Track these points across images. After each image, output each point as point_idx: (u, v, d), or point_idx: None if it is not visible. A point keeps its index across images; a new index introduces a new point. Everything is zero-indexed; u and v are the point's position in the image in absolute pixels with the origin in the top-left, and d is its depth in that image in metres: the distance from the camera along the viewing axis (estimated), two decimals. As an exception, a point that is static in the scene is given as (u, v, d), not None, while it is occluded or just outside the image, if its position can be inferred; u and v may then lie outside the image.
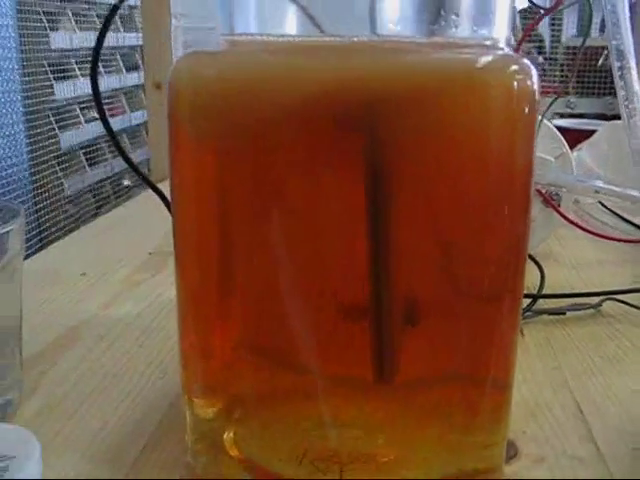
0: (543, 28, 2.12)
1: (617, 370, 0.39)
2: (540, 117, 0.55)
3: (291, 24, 0.25)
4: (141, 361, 0.39)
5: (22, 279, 0.34)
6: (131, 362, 0.39)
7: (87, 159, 2.22)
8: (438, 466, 0.27)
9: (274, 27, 0.25)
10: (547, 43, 2.03)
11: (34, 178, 1.92)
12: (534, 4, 0.39)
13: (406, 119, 0.23)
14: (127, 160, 0.35)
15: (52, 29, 1.96)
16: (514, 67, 0.23)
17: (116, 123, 2.39)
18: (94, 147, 2.23)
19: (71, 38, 2.04)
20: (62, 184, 2.08)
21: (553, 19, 2.10)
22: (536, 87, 0.24)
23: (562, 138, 0.58)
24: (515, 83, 0.23)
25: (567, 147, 0.58)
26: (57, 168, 2.05)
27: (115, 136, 0.35)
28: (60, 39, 1.98)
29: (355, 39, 0.24)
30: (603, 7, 0.40)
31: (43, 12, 1.92)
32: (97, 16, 2.23)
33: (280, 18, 0.25)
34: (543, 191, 0.56)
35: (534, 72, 0.24)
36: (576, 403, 0.36)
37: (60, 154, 2.05)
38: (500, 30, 0.25)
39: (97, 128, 2.15)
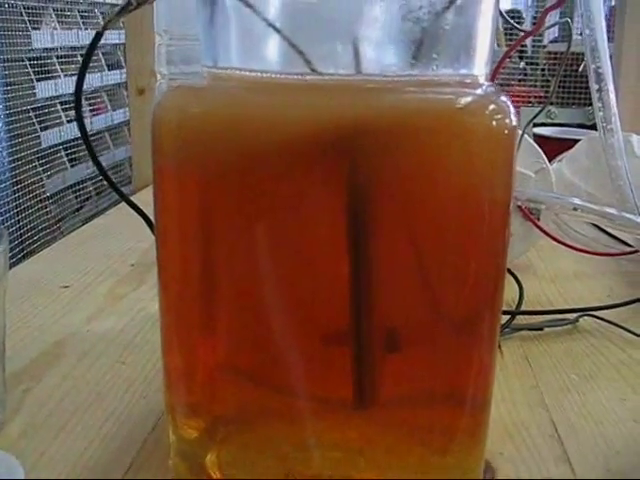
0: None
1: (592, 387, 0.40)
2: (521, 131, 0.55)
3: (274, 59, 0.25)
4: (124, 379, 0.39)
5: (5, 298, 0.34)
6: (115, 379, 0.39)
7: (69, 158, 2.21)
8: (417, 488, 0.28)
9: (257, 62, 0.26)
10: (529, 47, 2.05)
11: (15, 177, 1.91)
12: (517, 27, 0.39)
13: (387, 157, 0.23)
14: (105, 176, 0.35)
15: (34, 27, 1.95)
16: (492, 107, 0.24)
17: (99, 122, 2.38)
18: (76, 146, 2.22)
19: (52, 36, 2.03)
20: (43, 183, 2.07)
21: (535, 22, 2.11)
22: (514, 124, 0.25)
23: (542, 153, 0.59)
24: (493, 122, 0.24)
25: (547, 162, 0.59)
26: (38, 167, 2.04)
27: (93, 149, 0.35)
28: (42, 37, 1.97)
29: (337, 77, 0.24)
30: (582, 30, 0.41)
31: (24, 9, 1.91)
32: (79, 12, 2.22)
33: (263, 53, 0.25)
34: (523, 206, 0.57)
35: (512, 110, 0.25)
36: (552, 423, 0.36)
37: (41, 153, 2.04)
38: (480, 67, 0.26)
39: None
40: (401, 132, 0.23)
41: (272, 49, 0.25)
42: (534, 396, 0.39)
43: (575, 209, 0.48)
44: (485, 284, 0.27)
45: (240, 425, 0.30)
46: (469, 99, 0.24)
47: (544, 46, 2.00)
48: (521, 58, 1.98)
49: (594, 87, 0.43)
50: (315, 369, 0.28)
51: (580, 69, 1.46)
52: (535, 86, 1.87)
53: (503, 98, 0.25)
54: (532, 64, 1.97)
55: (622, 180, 0.47)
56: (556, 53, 1.69)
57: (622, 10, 0.87)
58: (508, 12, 1.71)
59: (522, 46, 1.99)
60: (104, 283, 0.54)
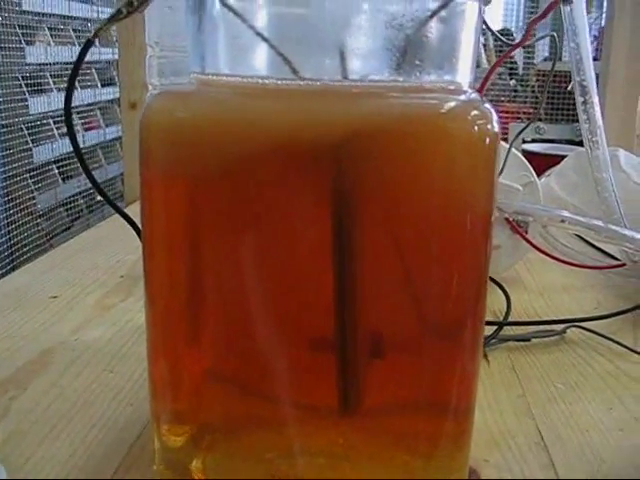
0: (516, 51, 2.16)
1: (579, 397, 0.40)
2: (509, 145, 0.56)
3: (261, 66, 0.26)
4: (111, 387, 0.39)
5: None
6: (101, 388, 0.39)
7: (60, 173, 2.21)
8: (402, 494, 0.28)
9: (244, 68, 0.26)
10: (520, 66, 2.07)
11: (6, 192, 1.90)
12: (502, 41, 0.40)
13: (371, 161, 0.23)
14: (95, 185, 0.35)
15: (28, 43, 1.95)
16: (475, 112, 0.24)
17: (91, 138, 2.38)
18: (67, 161, 2.22)
19: (46, 52, 2.04)
20: (34, 198, 2.06)
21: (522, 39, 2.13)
22: (496, 130, 0.25)
23: (530, 167, 0.59)
24: (475, 128, 0.24)
25: (535, 176, 0.59)
26: (30, 182, 2.03)
27: (84, 160, 0.35)
28: (35, 53, 1.97)
29: (324, 83, 0.25)
30: (567, 44, 0.42)
31: (18, 25, 1.91)
32: (73, 30, 2.23)
33: (250, 60, 0.26)
34: (511, 219, 0.57)
35: (494, 116, 0.25)
36: (538, 431, 0.37)
37: (33, 168, 2.03)
38: (464, 75, 0.26)
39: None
40: (385, 136, 0.23)
41: (259, 56, 0.26)
42: (521, 405, 0.39)
43: (562, 221, 0.48)
44: (468, 290, 0.27)
45: (226, 433, 0.30)
46: (452, 104, 0.24)
47: (534, 65, 2.02)
48: (512, 76, 2.00)
49: (579, 100, 0.43)
50: (300, 376, 0.28)
51: (569, 87, 1.48)
52: (525, 103, 1.89)
53: (486, 105, 0.25)
54: (522, 82, 1.99)
55: (607, 192, 0.47)
56: (546, 72, 1.71)
57: (609, 29, 0.88)
58: (499, 31, 1.73)
59: (513, 65, 2.02)
60: (93, 294, 0.54)
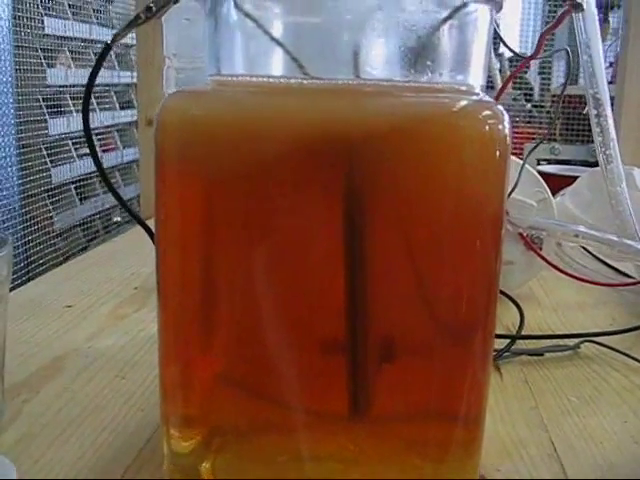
0: (533, 76, 2.17)
1: (593, 411, 0.40)
2: (522, 162, 0.56)
3: (276, 67, 0.26)
4: (123, 393, 0.39)
5: (7, 308, 0.35)
6: (113, 394, 0.39)
7: (78, 194, 2.23)
8: (411, 499, 0.28)
9: (259, 69, 0.26)
10: (536, 90, 2.08)
11: (24, 211, 1.92)
12: (515, 53, 0.40)
13: (384, 159, 0.24)
14: (114, 193, 0.36)
15: (49, 65, 1.99)
16: (486, 112, 0.24)
17: (109, 159, 2.40)
18: (85, 182, 2.24)
19: (67, 74, 2.07)
20: (52, 218, 2.08)
21: (542, 68, 2.15)
22: (507, 131, 0.25)
23: (544, 183, 0.59)
24: (487, 127, 0.24)
25: (549, 192, 0.59)
26: (48, 202, 2.05)
27: (102, 165, 0.35)
28: (56, 75, 2.01)
29: (337, 82, 0.25)
30: (580, 57, 0.42)
31: (41, 49, 1.95)
32: (94, 54, 2.26)
33: (265, 61, 0.26)
34: (525, 235, 0.57)
35: (506, 117, 0.25)
36: (551, 442, 0.36)
37: (51, 188, 2.06)
38: (475, 77, 0.27)
39: (89, 163, 2.16)
40: (398, 134, 0.23)
41: (274, 57, 0.26)
42: (533, 417, 0.39)
43: (576, 235, 0.48)
44: (479, 293, 0.27)
45: (236, 436, 0.30)
46: (464, 103, 0.24)
47: (550, 90, 2.03)
48: (528, 101, 2.01)
49: (592, 112, 0.43)
50: (311, 381, 0.28)
51: (585, 111, 1.48)
52: (540, 125, 1.89)
53: (498, 106, 0.26)
54: (538, 107, 2.00)
55: (622, 206, 0.47)
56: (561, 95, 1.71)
57: (624, 51, 0.88)
58: (513, 57, 1.74)
59: (529, 90, 2.02)
60: (107, 304, 0.55)
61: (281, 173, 0.24)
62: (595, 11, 0.39)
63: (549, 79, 2.11)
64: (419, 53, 0.25)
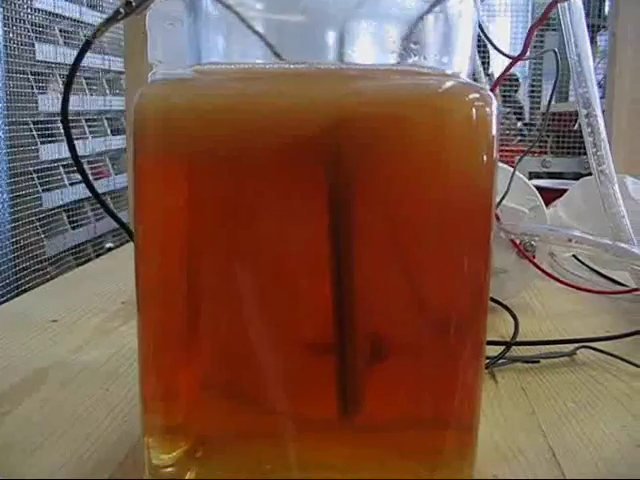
0: (523, 96, 2.19)
1: (591, 415, 0.39)
2: (513, 169, 0.56)
3: (257, 54, 0.25)
4: (105, 405, 0.38)
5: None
6: (95, 406, 0.38)
7: (70, 221, 2.22)
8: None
9: (239, 58, 0.26)
10: (526, 110, 2.10)
11: (15, 237, 1.91)
12: (502, 53, 0.40)
13: (369, 142, 0.23)
14: (106, 208, 0.35)
15: (40, 90, 1.99)
16: (474, 95, 0.24)
17: (101, 185, 2.40)
18: (77, 209, 2.23)
19: (58, 100, 2.07)
20: (43, 245, 2.07)
21: (532, 87, 2.18)
22: (494, 115, 0.25)
23: (536, 191, 0.59)
24: (474, 110, 0.23)
25: (541, 200, 0.58)
26: (39, 229, 2.04)
27: (92, 185, 0.34)
28: (48, 101, 2.01)
29: (320, 67, 0.24)
30: (569, 57, 0.41)
31: (31, 73, 1.95)
32: (85, 78, 2.27)
33: (245, 49, 0.26)
34: (518, 242, 0.56)
35: (493, 101, 0.25)
36: (549, 447, 0.35)
37: (42, 215, 2.04)
38: (461, 63, 0.26)
39: (81, 190, 2.15)
40: (381, 116, 0.23)
41: (253, 44, 0.25)
42: (531, 423, 0.38)
43: (570, 240, 0.48)
44: (468, 292, 0.27)
45: (221, 445, 0.29)
46: (449, 84, 0.24)
47: (539, 108, 2.05)
48: (519, 120, 2.03)
49: (582, 112, 0.43)
50: (298, 385, 0.27)
51: (575, 126, 1.49)
52: (531, 143, 1.91)
53: (485, 90, 0.25)
54: (529, 125, 2.02)
55: (614, 208, 0.46)
56: (552, 114, 1.72)
57: (613, 56, 0.88)
58: (505, 78, 1.75)
59: (519, 109, 2.04)
60: (93, 319, 0.54)
61: (264, 159, 0.24)
62: (582, 6, 0.39)
63: (539, 98, 2.13)
64: (405, 37, 0.24)
